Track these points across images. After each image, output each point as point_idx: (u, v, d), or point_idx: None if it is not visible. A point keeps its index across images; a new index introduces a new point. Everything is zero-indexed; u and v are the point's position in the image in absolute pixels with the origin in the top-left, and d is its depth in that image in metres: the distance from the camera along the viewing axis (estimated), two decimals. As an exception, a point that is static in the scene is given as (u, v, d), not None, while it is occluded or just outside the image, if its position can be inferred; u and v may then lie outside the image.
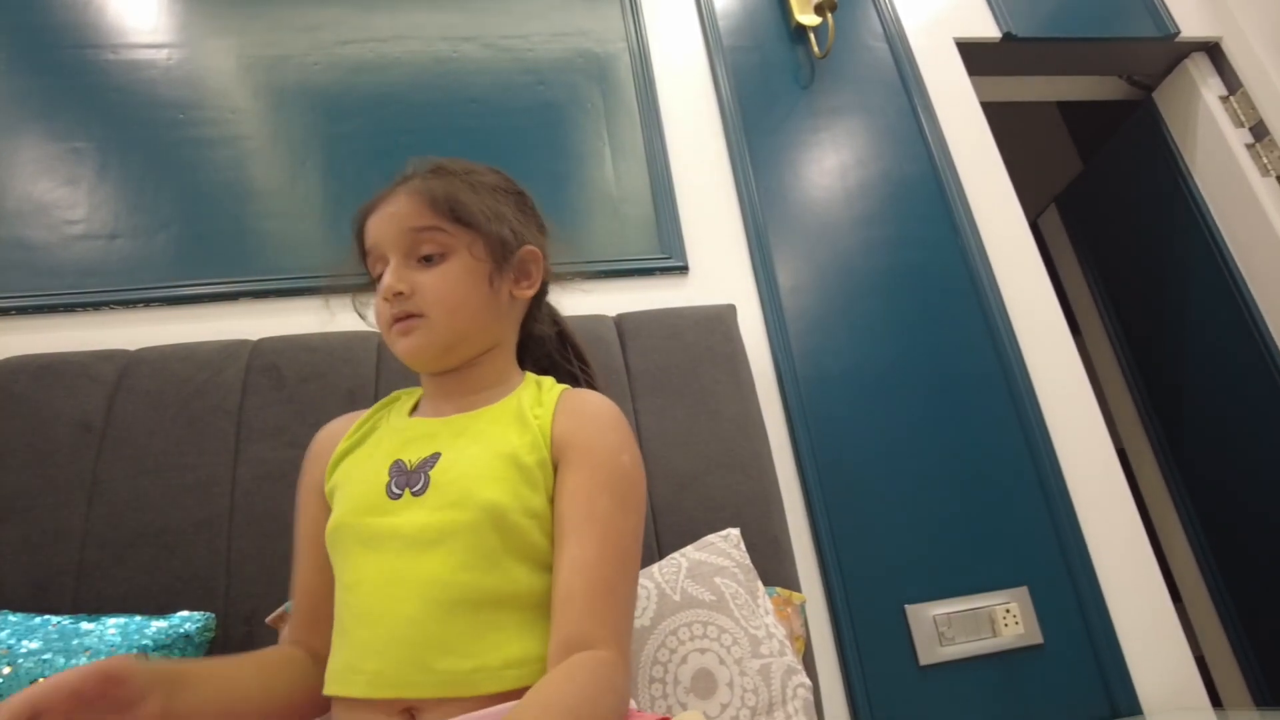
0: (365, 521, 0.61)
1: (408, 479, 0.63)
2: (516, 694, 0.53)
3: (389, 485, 0.63)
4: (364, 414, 0.75)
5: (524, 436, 0.64)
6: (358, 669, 0.56)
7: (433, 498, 0.61)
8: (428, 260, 0.67)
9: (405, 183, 0.71)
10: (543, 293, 0.79)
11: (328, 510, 0.67)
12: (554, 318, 0.83)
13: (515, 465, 0.62)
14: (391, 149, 1.37)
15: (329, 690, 0.59)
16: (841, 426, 1.27)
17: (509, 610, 0.58)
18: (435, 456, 0.64)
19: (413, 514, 0.60)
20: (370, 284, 0.73)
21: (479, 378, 0.72)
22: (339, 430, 0.74)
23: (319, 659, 0.64)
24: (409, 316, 0.66)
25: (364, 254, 0.72)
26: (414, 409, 0.74)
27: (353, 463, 0.69)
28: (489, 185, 0.73)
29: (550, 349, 0.82)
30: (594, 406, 0.69)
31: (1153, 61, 1.86)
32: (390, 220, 0.68)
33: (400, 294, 0.66)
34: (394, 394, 0.78)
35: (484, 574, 0.58)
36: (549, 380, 0.74)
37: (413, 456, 0.65)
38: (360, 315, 0.79)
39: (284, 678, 0.64)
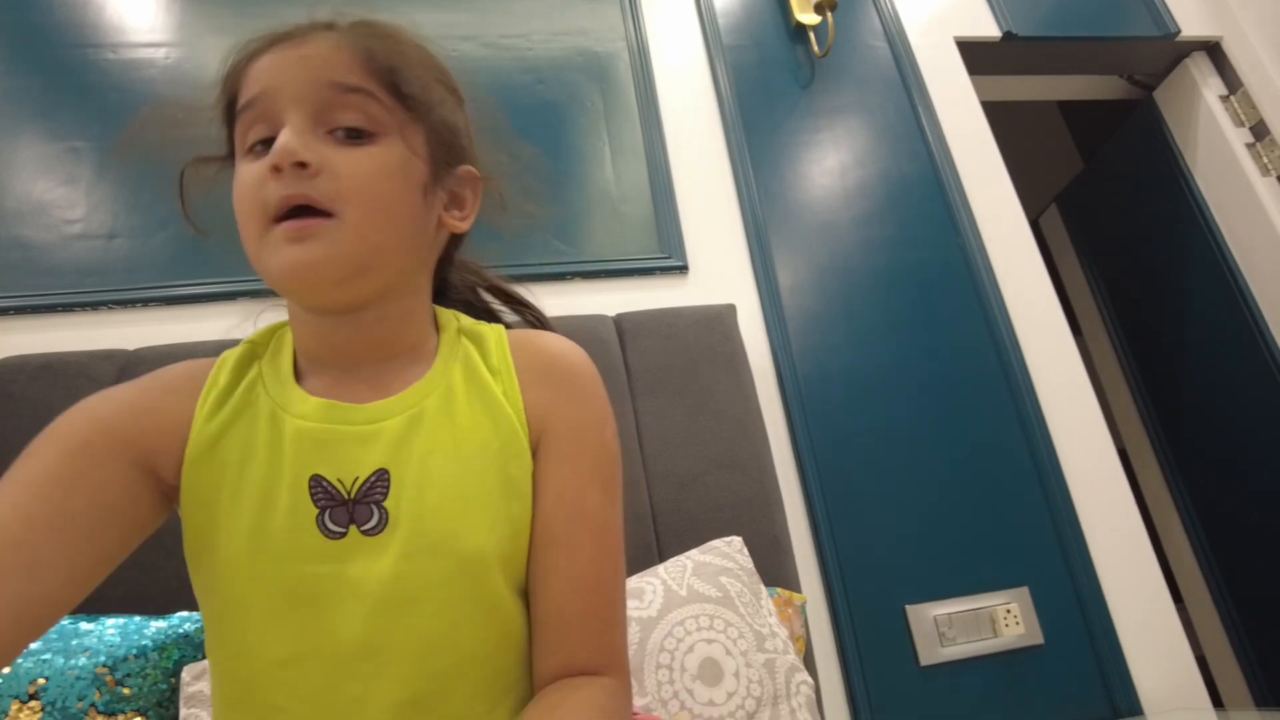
0: (294, 572, 0.44)
1: (350, 513, 0.45)
2: None
3: (321, 520, 0.44)
4: (211, 375, 0.50)
5: (500, 432, 0.49)
6: None
7: (398, 538, 0.44)
8: (349, 136, 0.46)
9: (324, 28, 0.49)
10: (461, 243, 0.59)
11: (147, 494, 0.46)
12: (479, 269, 0.63)
13: (503, 480, 0.48)
14: (391, 148, 1.36)
15: None
16: (841, 426, 1.27)
17: (513, 653, 0.48)
18: (381, 476, 0.46)
19: (372, 562, 0.44)
20: (227, 157, 0.52)
21: (385, 336, 0.51)
22: (186, 392, 0.49)
23: None
24: (309, 212, 0.44)
25: (231, 114, 0.49)
26: (296, 376, 0.50)
27: (236, 465, 0.46)
28: (431, 66, 0.54)
29: (461, 303, 0.61)
30: (564, 363, 0.53)
31: (1153, 61, 1.86)
32: (300, 65, 0.46)
33: (303, 166, 0.44)
34: (244, 345, 0.53)
35: (489, 626, 0.46)
36: (482, 326, 0.55)
37: (343, 474, 0.45)
38: (191, 223, 0.56)
39: None
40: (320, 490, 0.45)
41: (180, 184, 0.56)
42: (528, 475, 0.49)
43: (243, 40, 0.49)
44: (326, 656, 0.43)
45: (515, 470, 0.49)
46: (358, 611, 0.43)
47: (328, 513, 0.45)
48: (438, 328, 0.55)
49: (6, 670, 0.75)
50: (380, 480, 0.46)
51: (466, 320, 0.56)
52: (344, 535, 0.44)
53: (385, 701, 0.43)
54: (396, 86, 0.48)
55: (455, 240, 0.58)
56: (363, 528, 0.45)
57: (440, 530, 0.45)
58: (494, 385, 0.51)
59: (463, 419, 0.49)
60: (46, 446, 0.45)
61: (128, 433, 0.46)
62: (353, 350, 0.50)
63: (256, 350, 0.53)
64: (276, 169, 0.44)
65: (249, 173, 0.46)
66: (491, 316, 0.62)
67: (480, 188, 0.56)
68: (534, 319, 0.63)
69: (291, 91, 0.45)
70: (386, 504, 0.45)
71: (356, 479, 0.45)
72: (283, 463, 0.46)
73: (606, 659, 0.47)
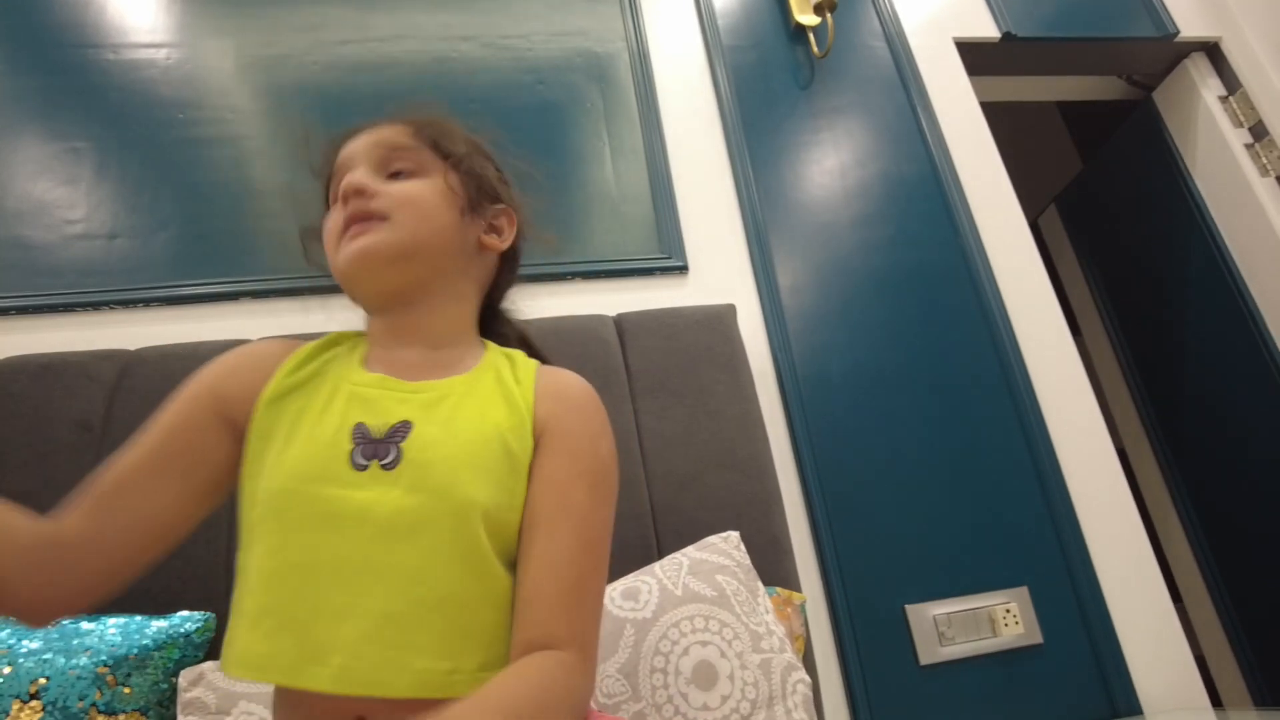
0: (321, 493, 0.52)
1: (375, 449, 0.55)
2: None
3: (353, 453, 0.54)
4: (301, 348, 0.63)
5: (511, 417, 0.59)
6: (321, 662, 0.49)
7: (406, 476, 0.53)
8: (399, 175, 0.63)
9: (391, 119, 0.67)
10: (513, 265, 0.74)
11: (227, 440, 0.58)
12: (518, 326, 0.76)
13: (505, 452, 0.56)
14: (391, 149, 1.37)
15: (262, 676, 0.50)
16: (841, 426, 1.27)
17: (488, 610, 0.54)
18: (405, 426, 0.56)
19: (383, 493, 0.53)
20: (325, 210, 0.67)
21: (435, 327, 0.64)
22: (270, 358, 0.62)
23: (73, 544, 0.52)
24: (368, 218, 0.60)
25: (328, 184, 0.67)
26: (364, 361, 0.63)
27: (296, 412, 0.57)
28: (469, 139, 0.70)
29: (506, 339, 0.74)
30: (575, 389, 0.63)
31: (1152, 61, 1.86)
32: (369, 139, 0.64)
33: (361, 192, 0.60)
34: (332, 335, 0.66)
35: (467, 571, 0.53)
36: (518, 353, 0.67)
37: (378, 421, 0.56)
38: (306, 257, 0.71)
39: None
40: (360, 433, 0.56)
41: (303, 241, 0.72)
42: (527, 455, 0.58)
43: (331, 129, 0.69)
44: (328, 566, 0.51)
45: (517, 446, 0.57)
46: (362, 534, 0.52)
47: (360, 448, 0.55)
48: (485, 349, 0.67)
49: (8, 670, 0.75)
50: (404, 428, 0.56)
51: (515, 351, 0.68)
52: (365, 468, 0.54)
53: (365, 613, 0.50)
54: (437, 144, 0.65)
55: (505, 270, 0.72)
56: (382, 462, 0.54)
57: (441, 477, 0.54)
58: (515, 389, 0.61)
59: (484, 401, 0.59)
60: (172, 398, 0.60)
61: (216, 389, 0.60)
62: (408, 339, 0.63)
63: (340, 340, 0.66)
64: (344, 198, 0.61)
65: (333, 214, 0.63)
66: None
67: (515, 221, 0.71)
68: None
69: (361, 155, 0.63)
70: (404, 445, 0.55)
71: (388, 425, 0.56)
72: (334, 413, 0.57)
73: (570, 635, 0.52)
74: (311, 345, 0.63)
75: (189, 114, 1.33)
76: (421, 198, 0.62)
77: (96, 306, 1.18)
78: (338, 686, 0.49)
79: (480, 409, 0.59)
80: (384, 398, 0.58)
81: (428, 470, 0.54)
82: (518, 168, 0.76)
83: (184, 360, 1.08)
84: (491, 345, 0.67)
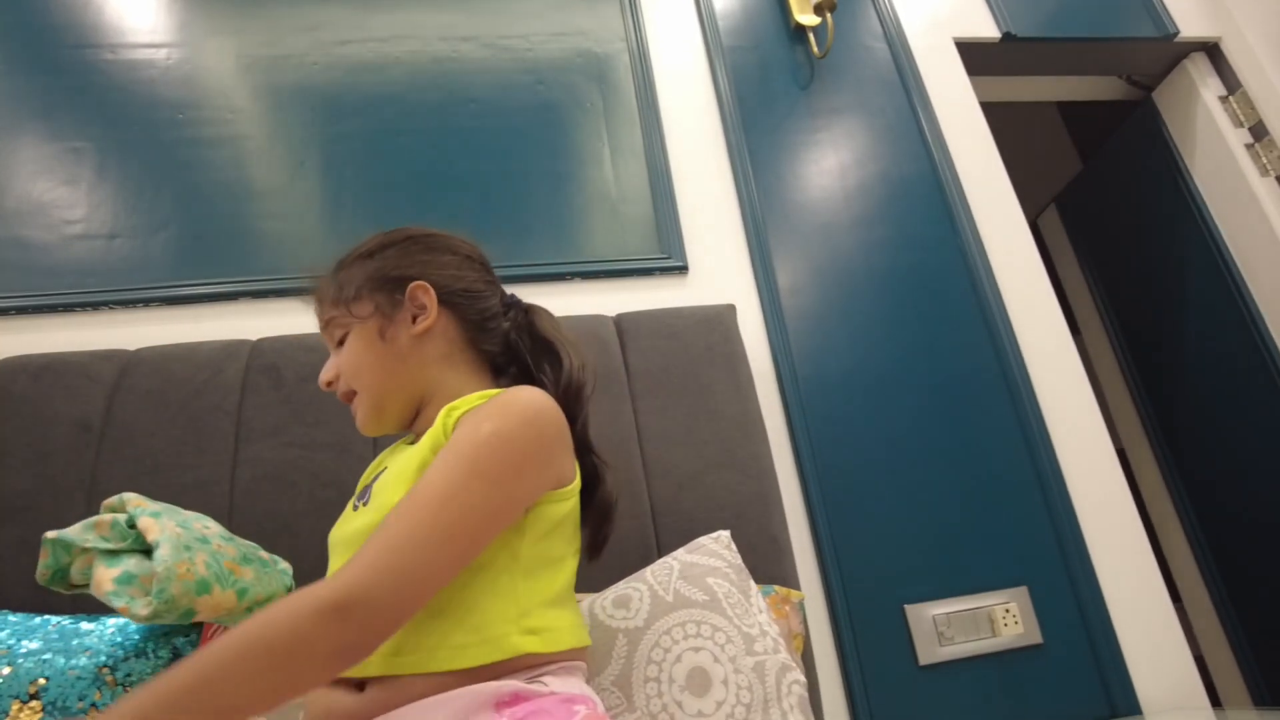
0: (332, 534, 0.74)
1: (362, 496, 0.73)
2: (458, 674, 0.59)
3: (354, 503, 0.74)
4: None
5: (435, 439, 0.67)
6: None
7: (373, 505, 0.68)
8: (341, 343, 0.77)
9: (314, 287, 0.81)
10: (469, 316, 0.78)
11: None
12: (531, 327, 0.81)
13: (420, 467, 0.65)
14: (390, 149, 1.37)
15: None
16: (841, 426, 1.28)
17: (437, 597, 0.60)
18: (383, 470, 0.72)
19: (356, 522, 0.69)
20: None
21: (427, 419, 0.73)
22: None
23: None
24: (349, 396, 0.76)
25: None
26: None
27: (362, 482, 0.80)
28: (367, 251, 0.78)
29: (523, 353, 0.80)
30: (501, 396, 0.68)
31: (1152, 62, 1.86)
32: (317, 316, 0.80)
33: (330, 383, 0.77)
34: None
35: None
36: (498, 390, 0.73)
37: (371, 476, 0.76)
38: None
39: None
40: (366, 487, 0.74)
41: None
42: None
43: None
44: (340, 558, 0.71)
45: (431, 456, 0.66)
46: (340, 553, 0.71)
47: (360, 497, 0.74)
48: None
49: (7, 670, 0.75)
50: (379, 474, 0.73)
51: (495, 390, 0.74)
52: (357, 509, 0.72)
53: None
54: (341, 301, 0.76)
55: (460, 316, 0.77)
56: (363, 502, 0.71)
57: (382, 498, 0.67)
58: (442, 424, 0.68)
59: (427, 439, 0.68)
60: None
61: None
62: (424, 424, 0.75)
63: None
64: (324, 389, 0.79)
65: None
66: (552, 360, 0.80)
67: (429, 289, 0.76)
68: (570, 364, 0.78)
69: (325, 338, 0.80)
70: (374, 486, 0.71)
71: (374, 475, 0.75)
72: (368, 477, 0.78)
73: (344, 575, 0.54)
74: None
75: (189, 114, 1.33)
76: (357, 360, 0.74)
77: (96, 306, 1.18)
78: None
79: (423, 446, 0.68)
80: (386, 459, 0.77)
81: (377, 497, 0.69)
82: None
83: (183, 360, 1.08)
84: (452, 404, 0.71)
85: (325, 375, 0.77)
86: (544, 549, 0.67)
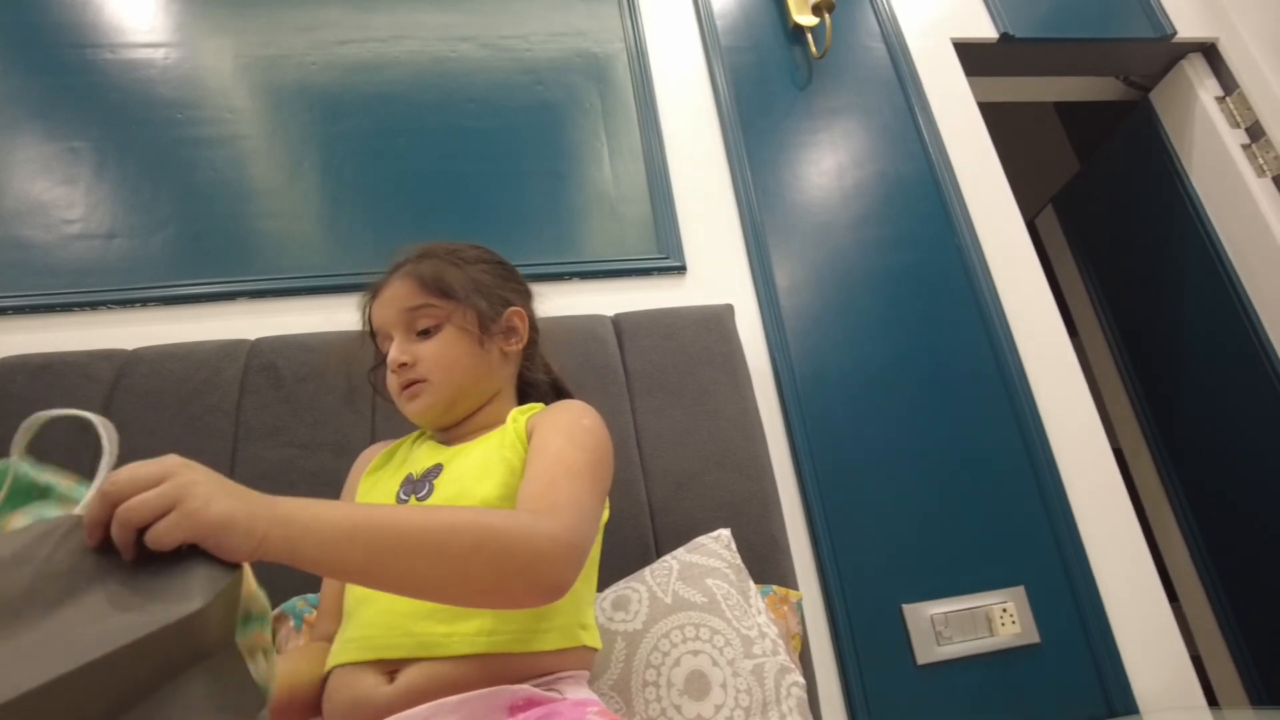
0: None
1: (414, 487, 0.74)
2: (484, 657, 0.61)
3: (398, 494, 0.74)
4: (395, 443, 0.87)
5: (505, 438, 0.73)
6: (351, 639, 0.65)
7: (434, 499, 0.70)
8: (425, 333, 0.77)
9: (398, 269, 0.81)
10: (534, 342, 0.88)
11: None
12: (547, 367, 0.91)
13: (503, 461, 0.70)
14: (389, 149, 1.37)
15: (329, 665, 0.66)
16: (839, 426, 1.28)
17: None
18: (438, 468, 0.74)
19: None
20: (384, 360, 0.83)
21: (480, 421, 0.80)
22: (373, 453, 0.86)
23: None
24: (414, 383, 0.76)
25: (374, 333, 0.83)
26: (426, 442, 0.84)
27: (375, 480, 0.81)
28: (470, 259, 0.83)
29: (543, 394, 0.89)
30: (566, 401, 0.78)
31: (1149, 62, 1.87)
32: (389, 304, 0.79)
33: (404, 364, 0.76)
34: (414, 434, 0.87)
35: None
36: (536, 405, 0.81)
37: (419, 470, 0.76)
38: (380, 394, 0.88)
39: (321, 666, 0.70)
40: (405, 480, 0.75)
41: (372, 384, 0.93)
42: (520, 457, 0.71)
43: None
44: None
45: (511, 454, 0.72)
46: None
47: (401, 489, 0.75)
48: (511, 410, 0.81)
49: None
50: (436, 469, 0.75)
51: (532, 404, 0.81)
52: (406, 501, 0.73)
53: (378, 597, 0.66)
54: (443, 291, 0.78)
55: (529, 348, 0.87)
56: (418, 495, 0.72)
57: (459, 487, 0.70)
58: (513, 423, 0.75)
59: (492, 440, 0.75)
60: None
61: (351, 487, 0.85)
62: (459, 433, 0.81)
63: (422, 432, 0.86)
64: (392, 369, 0.77)
65: (389, 376, 0.79)
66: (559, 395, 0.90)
67: (525, 314, 0.85)
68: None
69: (389, 323, 0.79)
70: (435, 481, 0.73)
71: (425, 469, 0.75)
72: (397, 472, 0.79)
73: (537, 505, 0.60)
74: (389, 447, 0.85)
75: (187, 114, 1.33)
76: (445, 354, 0.76)
77: (94, 306, 1.18)
78: (358, 655, 0.63)
79: (488, 443, 0.74)
80: (427, 456, 0.78)
81: (448, 488, 0.70)
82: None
83: (182, 360, 1.08)
84: (520, 409, 0.79)
85: (401, 357, 0.76)
86: (595, 550, 0.74)
